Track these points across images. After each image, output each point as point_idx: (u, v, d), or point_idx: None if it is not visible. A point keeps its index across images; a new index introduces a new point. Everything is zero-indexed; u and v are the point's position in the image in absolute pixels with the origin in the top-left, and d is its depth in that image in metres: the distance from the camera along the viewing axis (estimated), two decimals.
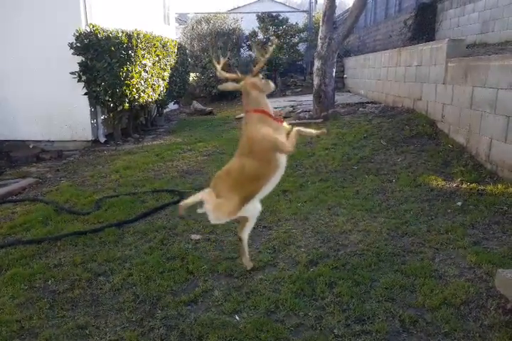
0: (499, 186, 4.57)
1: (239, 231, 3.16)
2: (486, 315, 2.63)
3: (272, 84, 2.95)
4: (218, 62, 3.01)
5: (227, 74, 2.96)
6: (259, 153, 2.74)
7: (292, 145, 2.74)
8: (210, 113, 13.09)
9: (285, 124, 2.86)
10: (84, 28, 7.85)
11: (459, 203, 4.38)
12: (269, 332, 2.55)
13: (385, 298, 2.85)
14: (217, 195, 2.71)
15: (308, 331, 2.57)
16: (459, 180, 4.93)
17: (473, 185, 4.76)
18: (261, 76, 2.91)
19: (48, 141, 8.52)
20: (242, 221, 3.08)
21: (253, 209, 2.93)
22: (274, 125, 2.80)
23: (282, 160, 2.83)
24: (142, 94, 8.75)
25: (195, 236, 3.95)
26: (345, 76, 15.08)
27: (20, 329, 2.69)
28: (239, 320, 2.69)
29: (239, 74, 2.91)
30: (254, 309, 2.80)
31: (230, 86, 2.93)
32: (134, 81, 8.30)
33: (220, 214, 2.74)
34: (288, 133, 2.83)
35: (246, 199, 2.77)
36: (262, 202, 3.08)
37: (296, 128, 2.77)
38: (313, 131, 2.87)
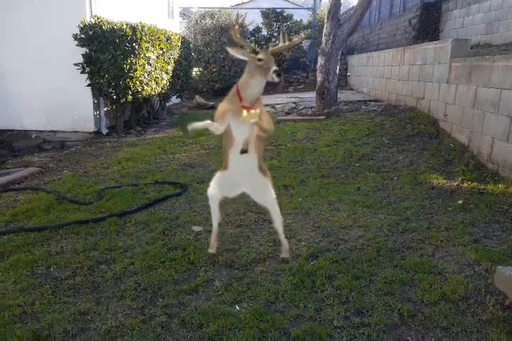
0: (500, 186, 4.59)
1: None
2: (484, 310, 2.66)
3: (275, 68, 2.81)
4: (237, 25, 2.97)
5: (244, 42, 2.98)
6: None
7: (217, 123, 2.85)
8: (212, 107, 13.09)
9: (253, 111, 2.75)
10: (88, 19, 7.83)
11: (460, 202, 4.40)
12: (269, 322, 2.58)
13: (384, 291, 2.87)
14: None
15: (308, 322, 2.59)
16: (460, 179, 4.95)
17: (474, 184, 4.78)
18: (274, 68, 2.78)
19: (51, 131, 8.53)
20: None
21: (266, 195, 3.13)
22: (235, 105, 2.79)
23: (234, 129, 2.88)
24: (145, 87, 8.75)
25: (197, 228, 3.97)
26: (348, 74, 15.08)
27: (23, 313, 2.71)
28: (239, 310, 2.71)
29: (254, 47, 2.88)
30: (255, 299, 2.82)
31: (239, 53, 2.90)
32: (138, 73, 8.30)
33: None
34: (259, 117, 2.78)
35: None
36: None
37: (245, 115, 2.73)
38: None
